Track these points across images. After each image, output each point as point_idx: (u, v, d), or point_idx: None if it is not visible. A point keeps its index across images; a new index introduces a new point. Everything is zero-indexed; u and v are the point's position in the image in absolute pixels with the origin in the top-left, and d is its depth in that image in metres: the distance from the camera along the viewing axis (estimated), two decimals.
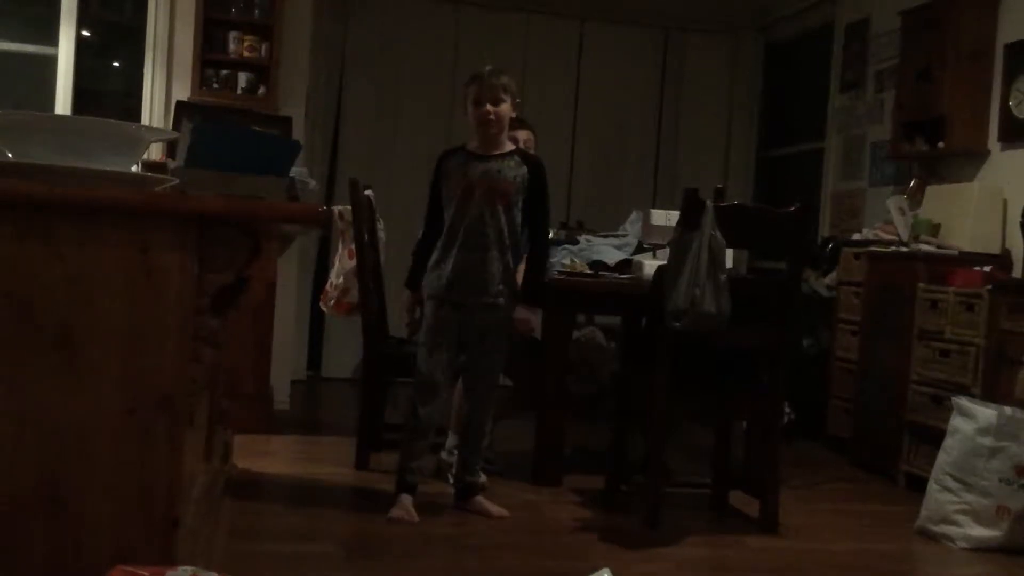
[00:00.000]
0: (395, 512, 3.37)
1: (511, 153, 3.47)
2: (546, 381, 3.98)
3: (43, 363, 1.81)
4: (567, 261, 4.23)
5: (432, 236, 3.51)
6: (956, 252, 4.50)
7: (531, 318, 3.63)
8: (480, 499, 3.52)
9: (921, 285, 4.38)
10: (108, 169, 1.90)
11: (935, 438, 3.85)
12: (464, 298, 3.40)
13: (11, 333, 1.80)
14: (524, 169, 3.44)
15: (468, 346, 3.50)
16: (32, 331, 1.80)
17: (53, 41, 5.18)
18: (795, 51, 6.98)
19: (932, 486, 3.61)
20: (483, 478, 3.67)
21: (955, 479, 3.52)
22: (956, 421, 3.60)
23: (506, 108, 3.41)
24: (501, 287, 3.42)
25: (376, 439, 4.18)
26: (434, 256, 3.47)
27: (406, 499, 3.43)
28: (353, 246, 4.12)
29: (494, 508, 3.49)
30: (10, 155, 1.95)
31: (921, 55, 5.03)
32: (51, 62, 5.18)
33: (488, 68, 3.45)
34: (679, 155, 7.14)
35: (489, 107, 3.38)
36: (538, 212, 3.50)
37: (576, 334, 5.15)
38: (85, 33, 5.39)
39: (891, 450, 4.43)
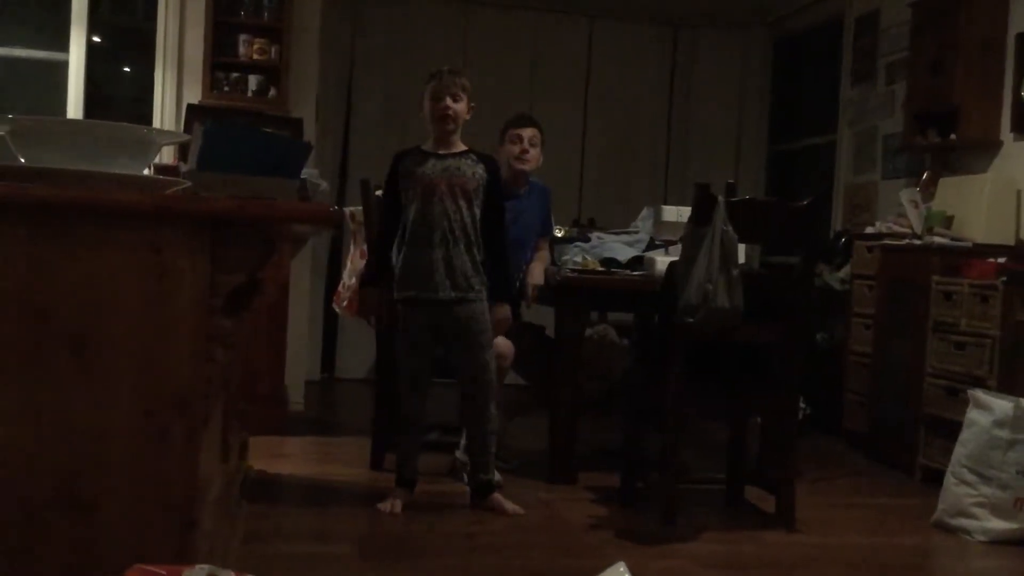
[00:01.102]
0: (381, 503, 3.46)
1: (466, 152, 3.53)
2: (559, 379, 3.98)
3: (59, 366, 1.82)
4: (579, 259, 4.23)
5: (390, 233, 3.55)
6: (970, 244, 4.48)
7: (504, 318, 3.61)
8: (496, 497, 3.52)
9: (935, 277, 4.36)
10: (120, 172, 1.91)
11: (951, 431, 3.83)
12: (436, 295, 3.44)
13: (27, 336, 1.81)
14: (481, 167, 3.51)
15: (451, 345, 3.53)
16: (48, 334, 1.81)
17: (64, 47, 5.21)
18: (805, 45, 6.96)
19: (949, 479, 3.60)
20: (498, 476, 3.67)
21: (972, 472, 3.51)
22: (972, 414, 3.58)
23: (463, 107, 3.48)
24: (472, 281, 3.45)
25: (390, 439, 4.18)
26: (401, 257, 3.50)
27: (398, 492, 3.50)
28: (365, 247, 4.13)
29: (509, 506, 3.49)
30: (23, 160, 1.96)
31: (932, 47, 5.01)
32: (62, 67, 5.21)
33: (447, 67, 3.53)
34: (690, 151, 7.13)
35: (448, 102, 3.44)
36: (494, 210, 3.55)
37: (589, 332, 5.15)
38: (96, 38, 5.42)
39: (907, 443, 4.42)
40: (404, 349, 3.52)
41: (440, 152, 3.50)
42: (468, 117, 3.54)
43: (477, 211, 3.48)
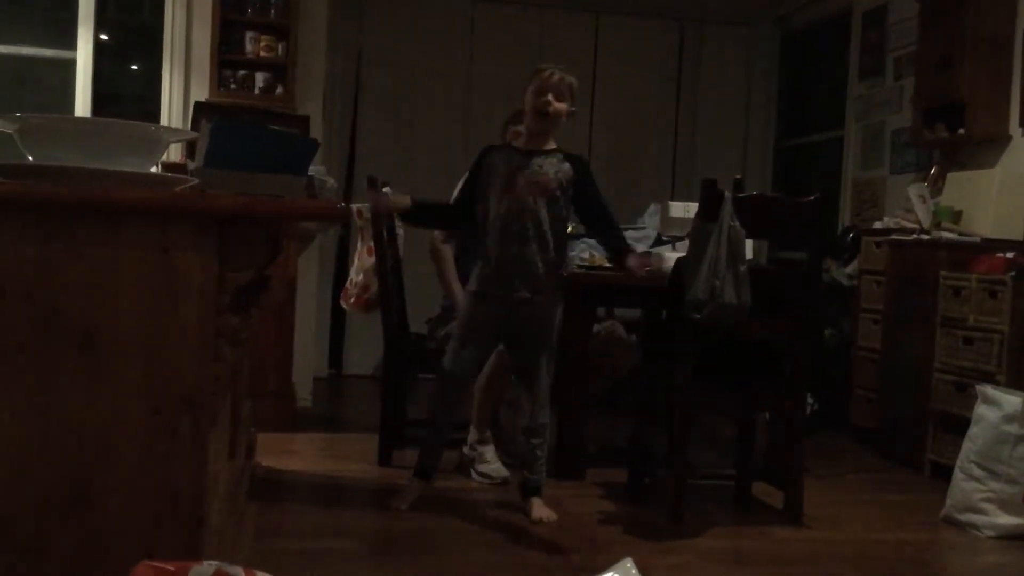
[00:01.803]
0: (395, 499, 3.45)
1: (554, 151, 3.45)
2: (567, 375, 3.98)
3: (67, 364, 1.82)
4: (586, 255, 4.23)
5: (452, 206, 3.57)
6: (978, 239, 4.47)
7: (644, 260, 3.45)
8: (532, 500, 3.45)
9: (944, 273, 4.35)
10: (128, 170, 1.92)
11: (960, 426, 3.82)
12: (504, 292, 3.39)
13: (35, 334, 1.81)
14: (567, 165, 3.42)
15: (513, 344, 3.48)
16: (56, 332, 1.82)
17: (71, 45, 5.22)
18: (812, 40, 6.94)
19: (957, 474, 3.59)
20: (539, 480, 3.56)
21: (981, 467, 3.50)
22: (981, 409, 3.58)
23: (563, 107, 3.38)
24: (541, 282, 3.39)
25: (398, 435, 4.20)
26: (475, 252, 3.48)
27: (414, 484, 3.49)
28: (372, 243, 4.14)
29: (535, 512, 3.41)
30: (31, 158, 1.97)
31: (940, 41, 4.99)
32: (70, 65, 5.22)
33: (562, 64, 3.44)
34: (697, 147, 7.12)
35: (551, 98, 3.36)
36: (595, 202, 3.48)
37: (596, 327, 5.16)
38: (103, 36, 5.43)
39: (915, 439, 4.41)
40: (458, 339, 3.46)
41: (529, 148, 3.43)
42: (566, 120, 3.44)
43: (559, 212, 3.40)
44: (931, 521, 3.63)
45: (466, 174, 3.57)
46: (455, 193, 3.65)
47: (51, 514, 1.83)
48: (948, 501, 3.61)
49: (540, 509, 3.42)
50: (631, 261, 3.38)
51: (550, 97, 3.35)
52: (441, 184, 4.85)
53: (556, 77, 3.37)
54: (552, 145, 3.46)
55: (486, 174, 3.45)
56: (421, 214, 3.62)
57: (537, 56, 6.78)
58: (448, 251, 4.20)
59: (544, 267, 3.39)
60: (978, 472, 3.50)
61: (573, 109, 3.43)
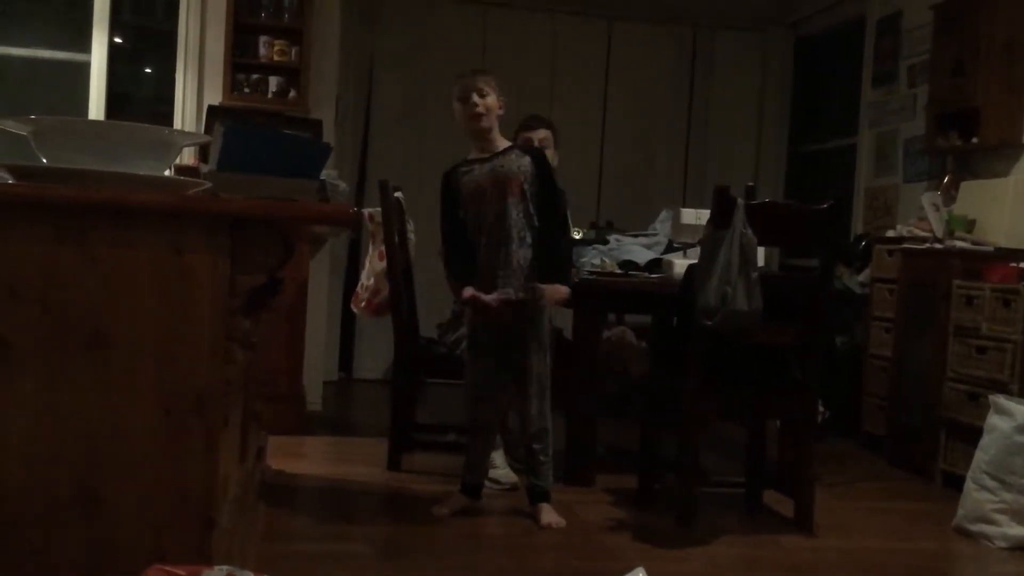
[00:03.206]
0: (436, 507, 3.44)
1: (509, 148, 3.48)
2: (577, 381, 3.97)
3: (79, 365, 1.83)
4: (597, 261, 4.22)
5: (453, 235, 3.50)
6: (992, 248, 4.44)
7: (559, 295, 3.42)
8: (541, 506, 3.42)
9: (956, 281, 4.32)
10: (141, 173, 1.92)
11: (972, 436, 3.80)
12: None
13: (48, 335, 1.82)
14: (526, 159, 3.44)
15: (508, 346, 3.46)
16: (68, 333, 1.83)
17: (86, 48, 5.24)
18: (825, 46, 6.93)
19: (969, 484, 3.57)
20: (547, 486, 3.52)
21: (993, 477, 3.48)
22: (993, 419, 3.56)
23: (492, 101, 3.41)
24: (526, 281, 3.39)
25: (408, 440, 4.20)
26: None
27: (457, 498, 3.47)
28: (383, 247, 4.14)
29: (544, 517, 3.38)
30: (45, 160, 1.97)
31: (954, 49, 4.98)
32: (84, 68, 5.24)
33: (469, 69, 3.50)
34: (709, 153, 7.11)
35: (476, 98, 3.38)
36: (548, 196, 3.47)
37: (606, 333, 5.15)
38: (117, 39, 5.45)
39: (927, 448, 4.39)
40: (471, 352, 3.48)
41: (484, 156, 3.44)
42: (501, 111, 3.46)
43: (530, 207, 3.41)
44: (942, 531, 3.60)
45: (440, 205, 3.56)
46: (441, 226, 3.59)
47: (61, 515, 1.84)
48: (960, 511, 3.58)
49: (549, 515, 3.40)
50: (548, 291, 3.38)
51: (475, 98, 3.38)
52: None
53: (470, 78, 3.41)
54: (505, 143, 3.49)
55: (454, 195, 3.47)
56: (472, 267, 3.50)
57: (549, 62, 6.81)
58: None
59: (526, 264, 3.40)
60: (990, 482, 3.48)
61: (502, 99, 3.45)
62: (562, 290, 3.44)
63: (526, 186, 3.40)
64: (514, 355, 3.44)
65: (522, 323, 3.41)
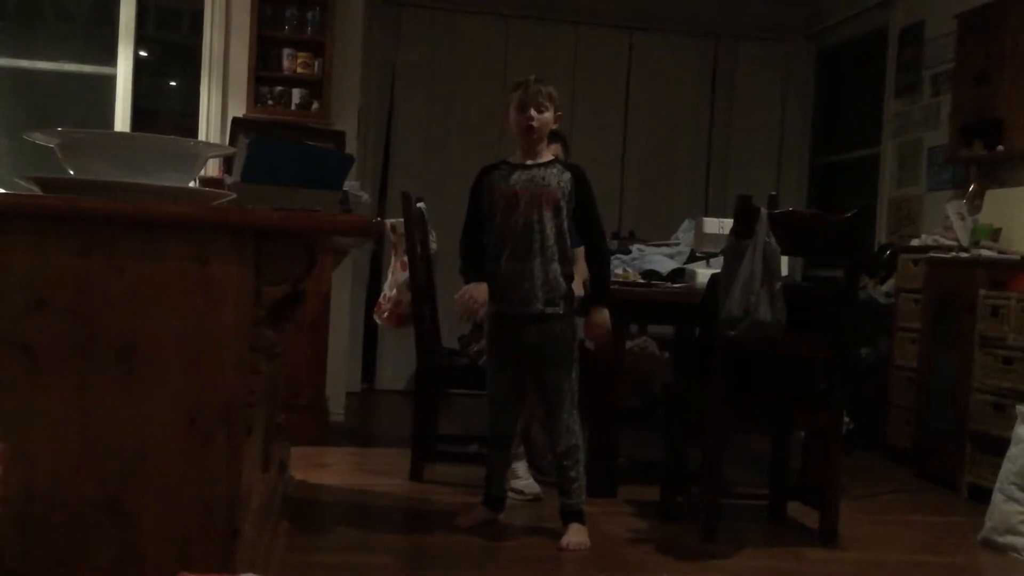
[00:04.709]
0: (460, 518, 3.44)
1: (552, 162, 3.43)
2: (599, 392, 3.96)
3: (106, 375, 1.84)
4: (619, 271, 4.22)
5: (472, 235, 3.48)
6: (1018, 257, 4.41)
7: (603, 324, 3.41)
8: (570, 526, 3.34)
9: (982, 291, 4.29)
10: (167, 185, 1.94)
11: (998, 447, 3.77)
12: (514, 309, 3.35)
13: (75, 345, 1.84)
14: (567, 175, 3.39)
15: (530, 362, 3.39)
16: (95, 343, 1.84)
17: (112, 61, 5.30)
18: (848, 56, 6.90)
19: (997, 496, 3.53)
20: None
21: (1021, 489, 3.44)
22: (1020, 429, 3.52)
23: (548, 117, 3.37)
24: (551, 296, 3.34)
25: (430, 450, 4.20)
26: (486, 272, 3.45)
27: (480, 511, 3.46)
28: (405, 258, 4.15)
29: (566, 538, 3.29)
30: (72, 172, 1.99)
31: (978, 57, 4.95)
32: (110, 82, 5.30)
33: (533, 76, 3.42)
34: (731, 163, 7.09)
35: (532, 113, 3.34)
36: (589, 216, 3.44)
37: (629, 344, 5.14)
38: (143, 53, 5.51)
39: (953, 460, 4.34)
40: (490, 365, 3.46)
41: (526, 163, 3.40)
42: (556, 126, 3.44)
43: (564, 223, 3.37)
44: (969, 543, 3.57)
45: (469, 196, 3.55)
46: (465, 221, 3.59)
47: (87, 524, 1.85)
48: (987, 523, 3.55)
49: (572, 535, 3.30)
50: (590, 331, 3.41)
51: (532, 112, 3.34)
52: None
53: (532, 89, 3.34)
54: (549, 156, 3.45)
55: (487, 194, 3.43)
56: (480, 264, 3.50)
57: (571, 73, 6.81)
58: None
59: (553, 280, 3.34)
60: (1018, 494, 3.44)
61: (559, 114, 3.43)
62: (605, 323, 3.42)
63: (563, 202, 3.36)
64: (538, 371, 3.39)
65: (546, 339, 3.35)
